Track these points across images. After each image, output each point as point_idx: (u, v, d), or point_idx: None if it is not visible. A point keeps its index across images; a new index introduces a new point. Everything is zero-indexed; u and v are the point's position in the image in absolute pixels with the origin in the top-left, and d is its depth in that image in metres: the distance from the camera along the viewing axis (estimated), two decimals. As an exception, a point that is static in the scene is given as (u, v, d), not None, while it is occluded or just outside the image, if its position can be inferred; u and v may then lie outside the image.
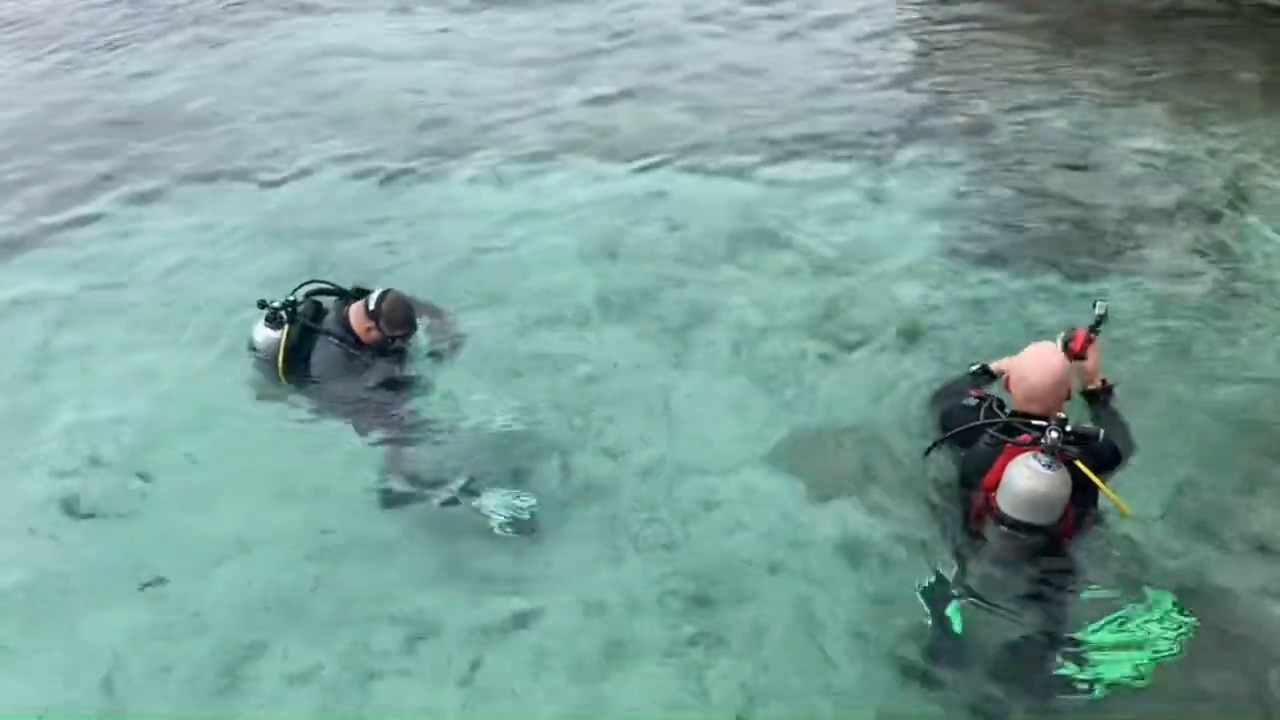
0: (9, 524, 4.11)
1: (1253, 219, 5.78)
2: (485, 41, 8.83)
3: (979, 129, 7.00)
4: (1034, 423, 3.36)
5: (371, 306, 4.30)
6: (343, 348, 4.30)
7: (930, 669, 3.39)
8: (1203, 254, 5.53)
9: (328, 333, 4.31)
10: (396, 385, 4.40)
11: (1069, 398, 3.53)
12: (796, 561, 3.79)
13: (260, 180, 6.70)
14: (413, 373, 4.51)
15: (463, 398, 4.48)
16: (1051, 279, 5.33)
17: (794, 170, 6.56)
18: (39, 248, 6.08)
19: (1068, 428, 3.29)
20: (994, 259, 5.56)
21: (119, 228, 6.25)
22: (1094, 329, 3.64)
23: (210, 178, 6.77)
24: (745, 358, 4.85)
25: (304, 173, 6.76)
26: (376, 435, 4.27)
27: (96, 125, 7.67)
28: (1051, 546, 3.43)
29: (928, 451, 3.65)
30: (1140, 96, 7.25)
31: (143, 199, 6.55)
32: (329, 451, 4.28)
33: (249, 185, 6.67)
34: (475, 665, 3.48)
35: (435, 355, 4.65)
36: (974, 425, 3.46)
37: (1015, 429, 3.40)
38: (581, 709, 3.34)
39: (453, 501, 3.96)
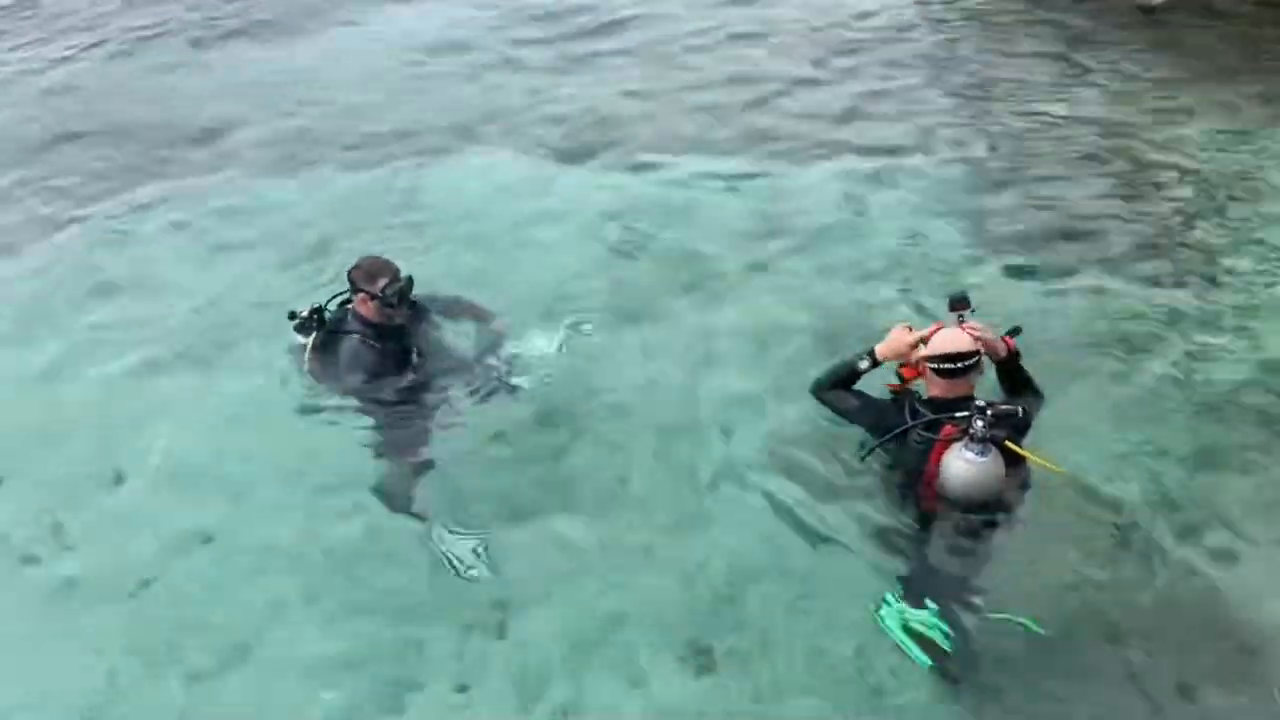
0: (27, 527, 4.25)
1: (1256, 217, 5.87)
2: (493, 40, 9.11)
3: (989, 128, 7.10)
4: (956, 415, 3.46)
5: (349, 280, 4.43)
6: (364, 342, 4.40)
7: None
8: (1202, 250, 5.61)
9: (349, 332, 4.44)
10: (417, 376, 4.49)
11: (981, 372, 3.69)
12: (784, 572, 3.83)
13: (266, 182, 6.88)
14: (429, 352, 4.60)
15: (472, 401, 4.56)
16: (1057, 277, 5.44)
17: (802, 170, 6.67)
18: (42, 249, 6.23)
19: (989, 412, 3.40)
20: (1000, 258, 5.64)
21: (126, 230, 6.41)
22: (961, 318, 3.71)
23: (219, 180, 6.97)
24: (748, 363, 4.88)
25: (314, 174, 6.96)
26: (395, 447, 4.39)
27: (111, 125, 7.90)
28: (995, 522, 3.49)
29: (864, 456, 3.73)
30: (1144, 95, 7.37)
31: (149, 202, 6.71)
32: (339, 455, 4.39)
33: (256, 186, 6.84)
34: (465, 686, 3.53)
35: (483, 355, 4.73)
36: (904, 428, 3.58)
37: (940, 423, 3.49)
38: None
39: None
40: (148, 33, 9.81)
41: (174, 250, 6.18)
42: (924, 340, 3.68)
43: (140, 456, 4.52)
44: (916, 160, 6.72)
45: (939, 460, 3.50)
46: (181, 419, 4.74)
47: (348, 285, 4.49)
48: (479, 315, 4.81)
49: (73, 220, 6.60)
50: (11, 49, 9.69)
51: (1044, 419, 3.85)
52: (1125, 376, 4.67)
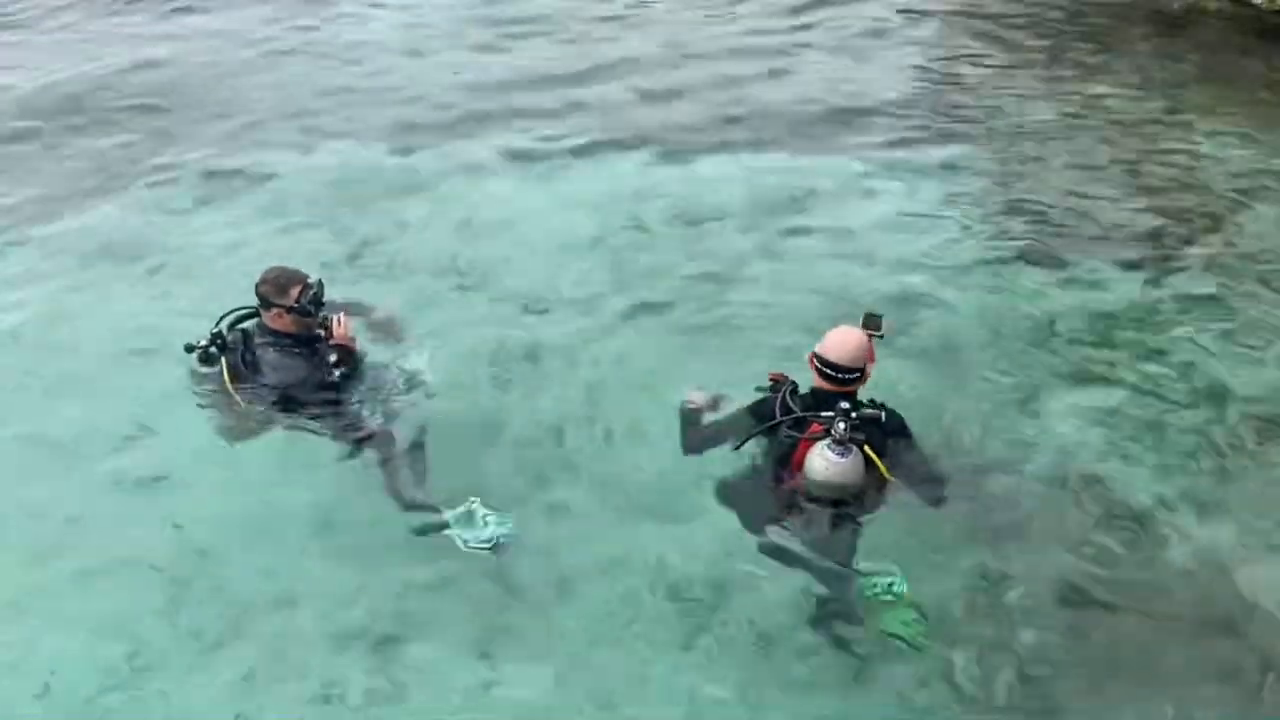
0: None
1: (1257, 219, 6.03)
2: (491, 31, 9.12)
3: (996, 126, 7.22)
4: (822, 415, 3.69)
5: (259, 297, 4.40)
6: (287, 350, 4.40)
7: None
8: (1208, 250, 5.78)
9: (266, 344, 4.41)
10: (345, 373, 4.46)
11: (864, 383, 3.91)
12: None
13: (265, 167, 6.88)
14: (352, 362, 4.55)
15: (450, 391, 4.65)
16: (1058, 272, 5.61)
17: (810, 163, 6.77)
18: (47, 231, 6.18)
19: (853, 415, 3.64)
20: (1004, 253, 5.82)
21: (131, 213, 6.38)
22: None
23: (216, 163, 6.95)
24: (745, 356, 4.82)
25: (310, 160, 6.99)
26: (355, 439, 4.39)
27: (120, 103, 7.89)
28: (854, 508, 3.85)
29: (738, 446, 3.97)
30: (1157, 97, 7.48)
31: (153, 182, 6.72)
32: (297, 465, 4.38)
33: (253, 171, 6.84)
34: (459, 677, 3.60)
35: (393, 347, 4.82)
36: (773, 424, 3.84)
37: (806, 422, 3.72)
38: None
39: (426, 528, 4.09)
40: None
41: (189, 224, 6.22)
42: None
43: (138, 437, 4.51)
44: (923, 155, 6.79)
45: (804, 456, 3.75)
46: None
47: (250, 309, 4.46)
48: (362, 311, 4.86)
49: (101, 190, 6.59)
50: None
51: (1046, 408, 4.33)
52: (1123, 372, 4.79)
